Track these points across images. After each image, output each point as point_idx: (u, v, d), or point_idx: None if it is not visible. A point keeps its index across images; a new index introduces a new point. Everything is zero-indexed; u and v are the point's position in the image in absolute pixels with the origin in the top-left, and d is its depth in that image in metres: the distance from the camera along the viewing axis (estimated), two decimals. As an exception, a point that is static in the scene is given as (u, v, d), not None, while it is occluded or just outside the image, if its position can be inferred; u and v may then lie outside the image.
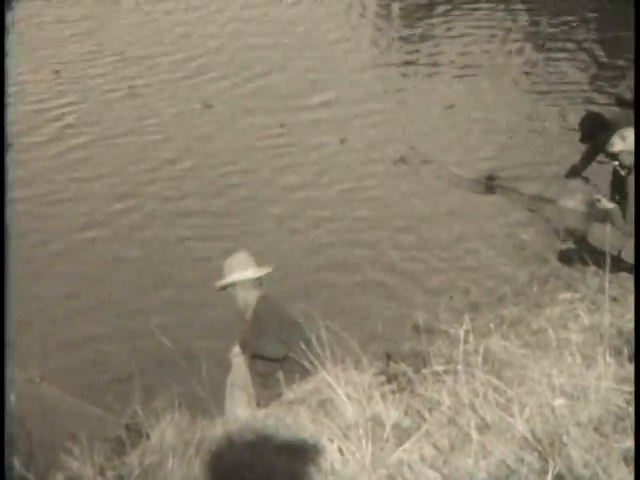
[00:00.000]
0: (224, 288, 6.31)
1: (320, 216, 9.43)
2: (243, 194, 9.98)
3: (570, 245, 8.43)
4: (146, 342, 6.81)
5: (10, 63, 11.89)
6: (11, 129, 10.73)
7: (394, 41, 14.63)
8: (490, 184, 9.73)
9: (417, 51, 14.06)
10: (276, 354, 5.99)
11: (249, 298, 6.21)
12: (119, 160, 10.82)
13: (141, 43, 14.52)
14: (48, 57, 14.02)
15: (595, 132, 8.84)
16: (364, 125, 11.37)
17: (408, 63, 13.56)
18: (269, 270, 6.31)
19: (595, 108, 9.84)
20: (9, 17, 14.11)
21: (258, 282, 6.27)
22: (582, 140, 9.20)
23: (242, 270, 6.22)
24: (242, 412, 5.83)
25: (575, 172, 9.35)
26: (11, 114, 11.18)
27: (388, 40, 14.65)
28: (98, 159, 10.85)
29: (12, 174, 9.20)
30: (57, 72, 13.45)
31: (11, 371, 6.18)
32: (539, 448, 4.26)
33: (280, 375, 5.95)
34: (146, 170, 10.54)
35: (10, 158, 9.93)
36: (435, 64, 13.50)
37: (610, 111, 9.20)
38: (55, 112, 12.12)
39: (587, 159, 9.29)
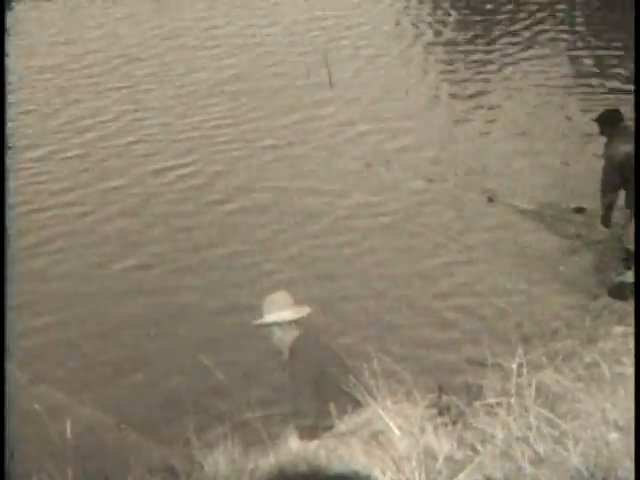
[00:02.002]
0: (262, 326, 6.33)
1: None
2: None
3: (623, 278, 8.38)
4: (198, 371, 6.83)
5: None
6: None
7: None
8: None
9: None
10: (310, 415, 5.97)
11: (286, 338, 6.22)
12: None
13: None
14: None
15: (610, 125, 9.33)
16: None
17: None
18: (307, 311, 6.32)
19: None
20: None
21: (296, 322, 6.29)
22: (601, 133, 9.53)
23: (281, 310, 6.25)
24: (294, 443, 5.83)
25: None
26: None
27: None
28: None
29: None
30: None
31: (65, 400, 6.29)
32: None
33: (332, 407, 5.95)
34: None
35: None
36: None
37: None
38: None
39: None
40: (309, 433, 5.78)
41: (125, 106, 13.40)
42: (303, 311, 6.29)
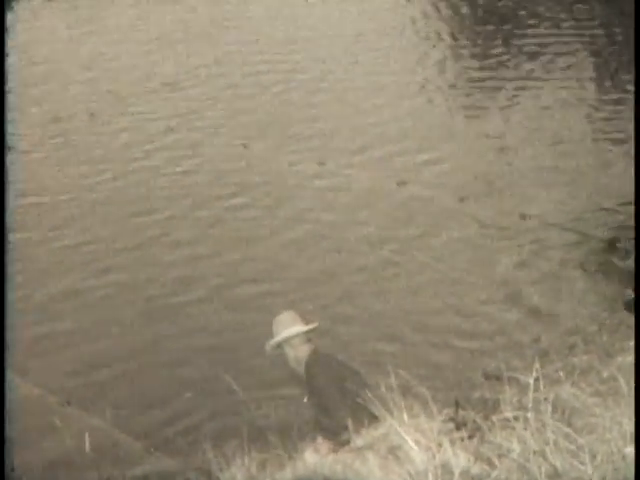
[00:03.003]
0: (275, 348, 6.34)
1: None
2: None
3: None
4: (216, 387, 6.85)
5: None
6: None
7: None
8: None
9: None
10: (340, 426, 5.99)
11: (300, 355, 6.23)
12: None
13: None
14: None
15: None
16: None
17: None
18: (316, 325, 6.35)
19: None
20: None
21: (307, 338, 6.30)
22: None
23: (289, 327, 6.28)
24: (310, 458, 5.84)
25: None
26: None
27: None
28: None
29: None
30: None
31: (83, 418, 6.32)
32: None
33: (349, 421, 5.96)
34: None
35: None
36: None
37: None
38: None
39: None
40: (330, 445, 5.80)
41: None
42: (311, 325, 6.32)
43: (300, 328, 6.27)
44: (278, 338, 6.26)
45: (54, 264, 9.39)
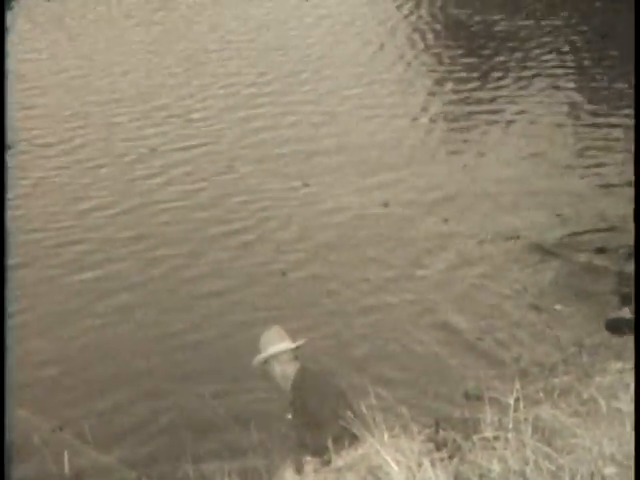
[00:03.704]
0: (262, 364, 6.31)
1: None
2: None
3: (621, 314, 8.38)
4: (197, 406, 6.84)
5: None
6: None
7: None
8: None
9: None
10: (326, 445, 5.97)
11: (288, 371, 6.21)
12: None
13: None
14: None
15: None
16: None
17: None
18: (304, 341, 6.33)
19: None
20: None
21: (294, 355, 6.28)
22: None
23: (277, 343, 6.25)
24: (290, 478, 5.83)
25: None
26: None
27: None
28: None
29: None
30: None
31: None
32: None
33: (329, 442, 5.94)
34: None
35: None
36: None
37: None
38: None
39: None
40: (314, 465, 5.78)
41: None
42: (299, 341, 6.30)
43: (288, 345, 6.24)
44: (265, 354, 6.23)
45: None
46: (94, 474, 6.54)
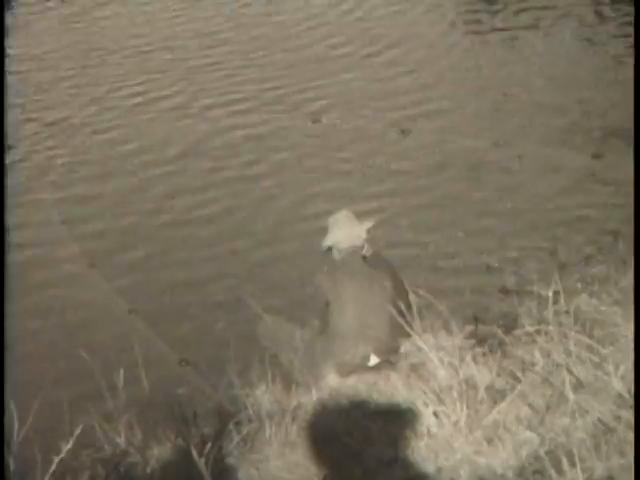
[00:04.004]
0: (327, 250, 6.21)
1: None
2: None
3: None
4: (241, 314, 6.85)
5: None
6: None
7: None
8: None
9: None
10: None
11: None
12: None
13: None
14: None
15: None
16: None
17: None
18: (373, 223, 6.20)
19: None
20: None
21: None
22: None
23: (341, 229, 6.14)
24: (333, 380, 5.87)
25: None
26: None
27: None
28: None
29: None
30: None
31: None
32: (636, 405, 4.24)
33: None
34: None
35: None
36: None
37: None
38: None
39: None
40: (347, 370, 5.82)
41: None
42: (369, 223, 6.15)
43: (347, 239, 6.11)
44: (327, 242, 6.13)
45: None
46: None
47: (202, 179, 9.62)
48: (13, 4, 15.03)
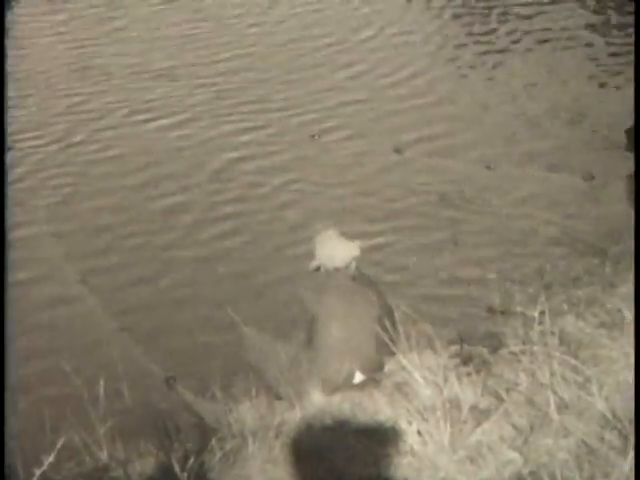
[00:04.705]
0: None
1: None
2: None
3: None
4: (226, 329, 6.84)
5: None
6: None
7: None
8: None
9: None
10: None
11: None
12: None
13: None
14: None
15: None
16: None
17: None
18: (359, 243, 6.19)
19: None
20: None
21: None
22: (627, 148, 9.02)
23: (328, 251, 6.12)
24: (317, 398, 5.86)
25: None
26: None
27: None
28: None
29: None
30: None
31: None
32: (619, 426, 4.25)
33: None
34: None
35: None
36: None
37: None
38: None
39: None
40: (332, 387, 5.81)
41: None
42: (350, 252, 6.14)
43: (337, 259, 6.09)
44: (314, 263, 6.11)
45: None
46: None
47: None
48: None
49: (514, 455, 4.39)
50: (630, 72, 10.76)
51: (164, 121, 11.24)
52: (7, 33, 13.01)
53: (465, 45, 13.28)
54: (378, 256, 7.94)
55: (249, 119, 11.19)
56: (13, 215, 8.68)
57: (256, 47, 13.41)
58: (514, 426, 4.57)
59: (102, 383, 4.99)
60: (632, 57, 10.87)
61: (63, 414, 5.48)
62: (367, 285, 6.04)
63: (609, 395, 4.47)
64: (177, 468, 4.17)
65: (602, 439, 4.25)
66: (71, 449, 4.74)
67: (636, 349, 4.43)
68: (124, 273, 8.23)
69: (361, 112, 11.23)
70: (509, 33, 13.55)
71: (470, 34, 13.66)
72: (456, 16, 14.37)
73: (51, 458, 4.09)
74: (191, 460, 4.30)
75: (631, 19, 12.82)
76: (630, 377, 4.59)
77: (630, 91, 9.97)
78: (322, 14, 14.57)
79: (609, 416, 4.33)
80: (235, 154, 10.36)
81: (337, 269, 6.00)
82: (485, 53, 12.95)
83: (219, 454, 4.74)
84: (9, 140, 10.29)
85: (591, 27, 13.58)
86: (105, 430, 4.86)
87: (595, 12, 14.12)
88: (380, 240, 8.35)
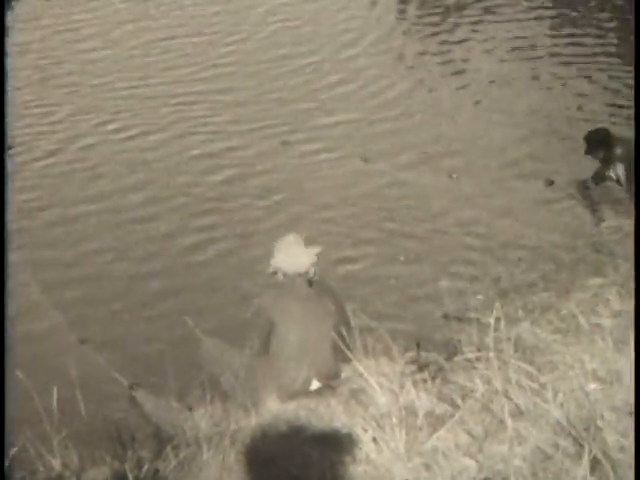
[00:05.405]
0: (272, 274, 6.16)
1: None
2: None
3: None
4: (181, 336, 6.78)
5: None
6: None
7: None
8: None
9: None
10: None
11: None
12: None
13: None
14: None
15: (599, 146, 8.83)
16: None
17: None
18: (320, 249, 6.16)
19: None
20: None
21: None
22: (586, 152, 9.14)
23: (288, 255, 6.09)
24: (273, 405, 5.84)
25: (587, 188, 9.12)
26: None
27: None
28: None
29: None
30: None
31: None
32: (574, 433, 4.27)
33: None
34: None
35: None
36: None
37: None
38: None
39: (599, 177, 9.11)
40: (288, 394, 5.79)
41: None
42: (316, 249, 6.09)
43: (295, 266, 6.05)
44: (273, 266, 6.06)
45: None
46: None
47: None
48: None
49: (469, 462, 4.39)
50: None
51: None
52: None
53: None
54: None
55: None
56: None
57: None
58: (469, 433, 4.57)
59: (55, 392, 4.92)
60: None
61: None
62: (325, 292, 6.03)
63: (564, 402, 4.48)
64: (131, 476, 4.13)
65: (556, 445, 4.26)
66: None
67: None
68: (88, 286, 8.13)
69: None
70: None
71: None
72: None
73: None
74: (145, 468, 4.26)
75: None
76: (586, 384, 4.62)
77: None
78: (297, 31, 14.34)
79: (564, 423, 4.34)
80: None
81: (296, 275, 5.98)
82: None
83: (174, 462, 4.70)
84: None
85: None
86: (59, 439, 4.81)
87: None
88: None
